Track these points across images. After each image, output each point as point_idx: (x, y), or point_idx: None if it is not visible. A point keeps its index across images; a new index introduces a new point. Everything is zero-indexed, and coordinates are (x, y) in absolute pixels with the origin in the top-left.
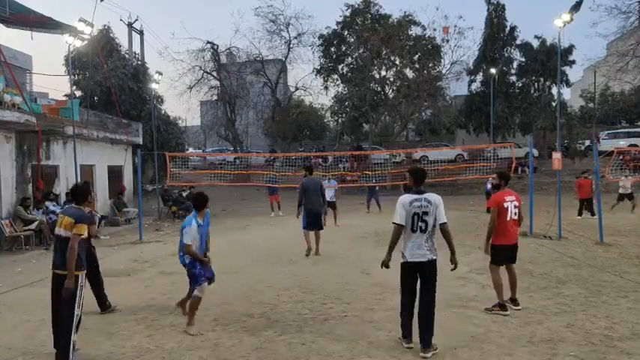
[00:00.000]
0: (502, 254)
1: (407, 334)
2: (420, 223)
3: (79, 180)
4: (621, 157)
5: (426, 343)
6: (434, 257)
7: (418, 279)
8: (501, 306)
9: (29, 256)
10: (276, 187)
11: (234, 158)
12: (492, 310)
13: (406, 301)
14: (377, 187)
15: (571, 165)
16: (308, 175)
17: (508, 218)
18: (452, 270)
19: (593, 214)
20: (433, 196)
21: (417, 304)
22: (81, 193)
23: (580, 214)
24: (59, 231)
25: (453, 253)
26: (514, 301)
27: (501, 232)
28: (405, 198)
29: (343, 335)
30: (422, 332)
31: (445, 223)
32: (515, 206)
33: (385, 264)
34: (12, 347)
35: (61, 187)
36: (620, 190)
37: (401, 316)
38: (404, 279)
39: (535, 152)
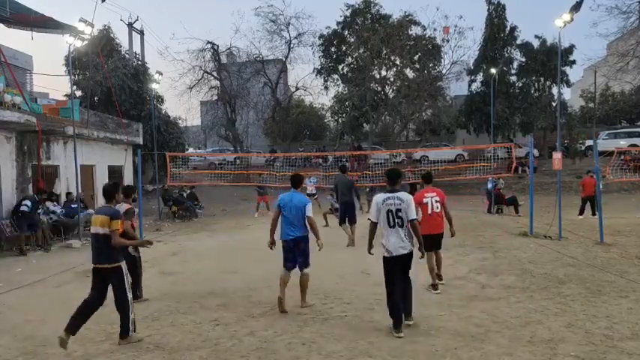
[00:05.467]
0: (429, 242)
1: (398, 324)
2: (396, 220)
3: (79, 180)
4: (622, 157)
5: (409, 312)
6: (412, 248)
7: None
8: (433, 286)
9: (29, 256)
10: (265, 188)
11: (235, 158)
12: (429, 289)
13: (392, 291)
14: (372, 189)
15: (571, 165)
16: (340, 174)
17: (429, 212)
18: (420, 258)
19: (594, 213)
20: (405, 195)
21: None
22: (109, 192)
23: (581, 213)
24: (96, 229)
25: (421, 245)
26: (439, 276)
27: (425, 224)
28: (379, 197)
29: (343, 335)
30: (404, 305)
31: (415, 219)
32: (436, 201)
33: (369, 252)
34: (12, 347)
35: (62, 187)
36: None
37: (388, 306)
38: (388, 271)
39: (535, 152)
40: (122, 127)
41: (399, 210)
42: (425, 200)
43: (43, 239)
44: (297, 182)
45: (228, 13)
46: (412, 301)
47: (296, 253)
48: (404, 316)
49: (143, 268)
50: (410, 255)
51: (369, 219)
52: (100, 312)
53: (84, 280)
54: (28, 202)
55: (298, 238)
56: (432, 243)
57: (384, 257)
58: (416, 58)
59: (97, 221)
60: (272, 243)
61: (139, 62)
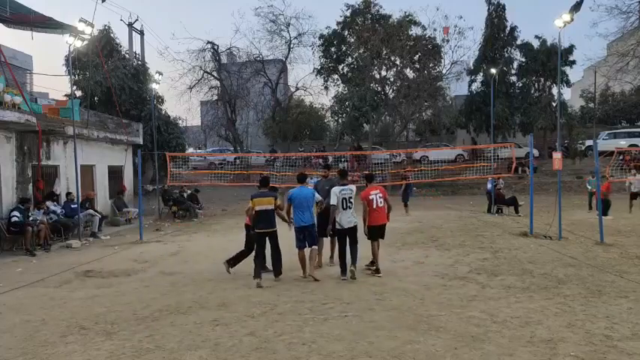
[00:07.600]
0: (374, 232)
1: (344, 272)
2: (348, 204)
3: (79, 180)
4: (621, 157)
5: (355, 261)
6: (356, 223)
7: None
8: (377, 270)
9: (29, 256)
10: None
11: (235, 158)
12: (370, 269)
13: (343, 251)
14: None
15: (571, 165)
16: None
17: (374, 207)
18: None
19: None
20: (353, 187)
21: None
22: (267, 181)
23: (604, 214)
24: (265, 207)
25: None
26: (373, 263)
27: (371, 217)
28: (337, 189)
29: (343, 335)
30: (352, 257)
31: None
32: (380, 197)
33: (328, 231)
34: (12, 347)
35: (62, 187)
36: (633, 189)
37: (340, 260)
38: (341, 239)
39: (535, 152)
40: (122, 127)
41: (350, 197)
42: (371, 197)
43: (43, 239)
44: (302, 179)
45: (228, 13)
46: (357, 256)
47: (306, 236)
48: (350, 261)
49: (144, 267)
50: (355, 227)
51: (331, 204)
52: (100, 311)
53: (84, 280)
54: (17, 213)
55: (308, 226)
56: (377, 232)
57: (338, 230)
58: (416, 58)
59: (265, 201)
60: (290, 222)
61: (139, 62)
